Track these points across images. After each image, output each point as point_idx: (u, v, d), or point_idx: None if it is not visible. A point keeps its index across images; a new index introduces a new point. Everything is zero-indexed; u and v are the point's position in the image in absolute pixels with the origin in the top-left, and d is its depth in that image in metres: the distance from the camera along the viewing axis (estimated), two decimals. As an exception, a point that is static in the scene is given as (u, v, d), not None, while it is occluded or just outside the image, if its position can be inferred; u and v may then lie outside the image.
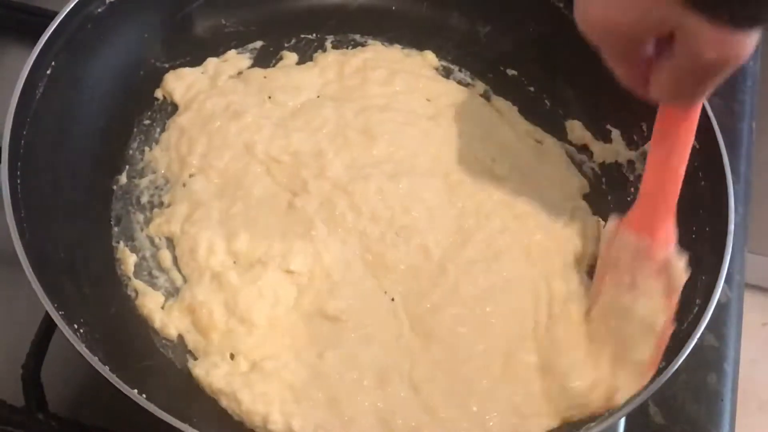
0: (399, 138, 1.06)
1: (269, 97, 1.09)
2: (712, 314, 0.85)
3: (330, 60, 1.14)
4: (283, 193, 1.01)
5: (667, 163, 0.85)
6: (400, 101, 1.10)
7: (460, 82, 1.15)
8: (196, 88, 1.09)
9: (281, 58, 1.14)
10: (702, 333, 0.84)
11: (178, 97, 1.08)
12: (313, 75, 1.12)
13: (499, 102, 1.13)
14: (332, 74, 1.13)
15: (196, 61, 1.11)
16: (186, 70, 1.10)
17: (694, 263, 0.93)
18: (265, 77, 1.11)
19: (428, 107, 1.10)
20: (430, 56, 1.16)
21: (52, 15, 0.94)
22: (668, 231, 0.87)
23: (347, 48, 1.17)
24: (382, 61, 1.14)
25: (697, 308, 0.88)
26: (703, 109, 0.97)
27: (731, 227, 0.90)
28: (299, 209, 0.99)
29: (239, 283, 0.93)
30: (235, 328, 0.90)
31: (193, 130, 1.05)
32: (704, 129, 0.97)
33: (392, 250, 0.97)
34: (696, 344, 0.83)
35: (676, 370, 0.82)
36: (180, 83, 1.08)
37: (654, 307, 0.86)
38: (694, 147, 0.99)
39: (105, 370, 0.75)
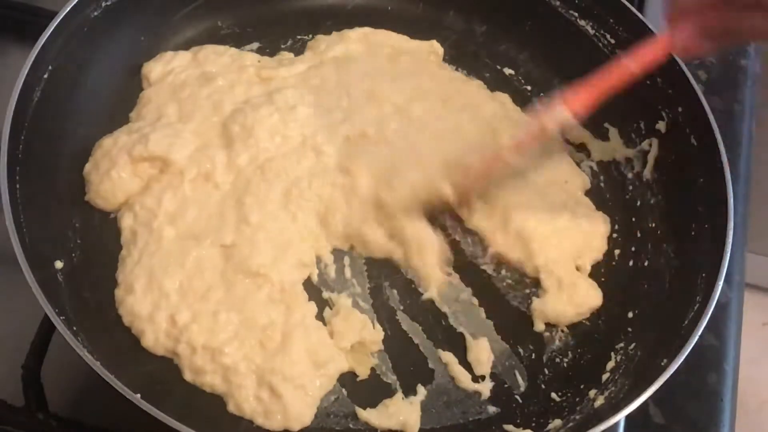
0: (406, 110, 1.02)
1: (256, 65, 1.05)
2: (712, 314, 0.85)
3: (320, 39, 1.11)
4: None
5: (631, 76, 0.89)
6: (409, 78, 1.06)
7: (456, 81, 1.15)
8: (173, 64, 1.04)
9: (278, 58, 1.13)
10: (702, 333, 0.84)
11: (154, 77, 1.03)
12: (307, 57, 1.09)
13: (502, 96, 1.12)
14: (330, 55, 1.09)
15: (192, 64, 1.10)
16: (168, 53, 1.07)
17: (694, 262, 0.93)
18: (259, 61, 1.08)
19: (439, 90, 1.07)
20: (435, 44, 1.14)
21: (52, 15, 0.95)
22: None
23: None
24: (386, 37, 1.12)
25: (696, 307, 0.88)
26: (703, 109, 0.97)
27: (731, 226, 0.90)
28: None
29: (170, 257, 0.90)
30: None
31: (159, 100, 1.00)
32: (704, 129, 0.97)
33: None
34: (696, 344, 0.83)
35: (676, 370, 0.82)
36: (157, 65, 1.04)
37: None
38: (693, 146, 0.99)
39: (106, 374, 0.75)
